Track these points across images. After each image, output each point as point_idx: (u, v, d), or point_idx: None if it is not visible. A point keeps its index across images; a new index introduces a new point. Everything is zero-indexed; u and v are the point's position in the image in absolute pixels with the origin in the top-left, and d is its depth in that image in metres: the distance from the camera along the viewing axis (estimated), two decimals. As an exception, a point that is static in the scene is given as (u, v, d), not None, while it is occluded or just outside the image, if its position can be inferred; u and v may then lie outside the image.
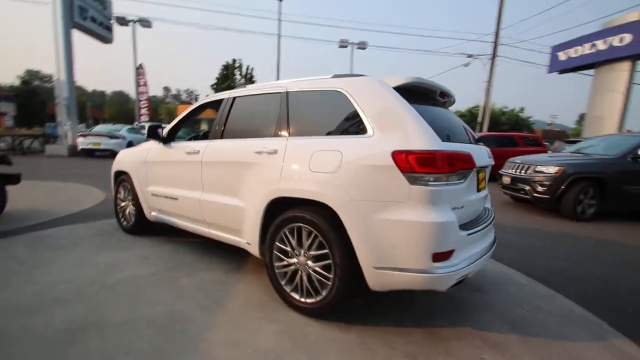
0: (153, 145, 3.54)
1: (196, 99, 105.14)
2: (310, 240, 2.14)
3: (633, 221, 5.80)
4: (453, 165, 1.81)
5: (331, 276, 2.04)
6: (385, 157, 1.85)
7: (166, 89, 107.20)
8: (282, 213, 2.28)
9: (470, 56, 22.85)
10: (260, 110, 2.71)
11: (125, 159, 3.89)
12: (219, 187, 2.73)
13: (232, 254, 3.29)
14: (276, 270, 2.36)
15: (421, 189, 1.78)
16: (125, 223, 3.96)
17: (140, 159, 3.60)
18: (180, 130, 3.53)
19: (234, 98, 2.88)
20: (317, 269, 2.12)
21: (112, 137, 12.85)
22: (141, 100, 21.24)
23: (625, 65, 16.57)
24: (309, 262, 2.16)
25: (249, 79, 32.37)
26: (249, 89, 2.82)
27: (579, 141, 8.44)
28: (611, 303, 2.68)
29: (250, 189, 2.46)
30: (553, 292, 2.81)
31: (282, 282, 2.32)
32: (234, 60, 31.59)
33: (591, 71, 18.89)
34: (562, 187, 5.62)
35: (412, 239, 1.79)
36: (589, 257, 3.86)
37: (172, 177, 3.20)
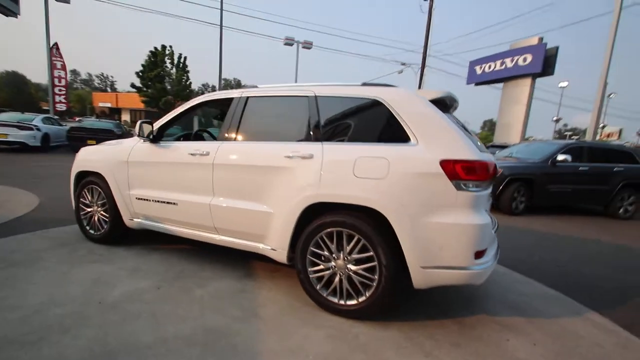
0: (136, 143, 3.16)
1: (112, 86, 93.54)
2: (352, 244, 2.20)
3: (553, 214, 7.04)
4: (489, 173, 2.05)
5: (375, 277, 2.13)
6: (434, 165, 2.01)
7: (74, 72, 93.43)
8: (318, 218, 2.28)
9: (403, 64, 24.76)
10: (284, 112, 2.64)
11: (95, 159, 3.38)
12: (237, 191, 2.59)
13: (233, 261, 3.14)
14: (310, 276, 2.35)
15: (465, 194, 1.99)
16: (93, 232, 3.45)
17: (120, 158, 3.18)
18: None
19: (247, 98, 2.75)
20: (360, 271, 2.19)
21: (22, 128, 10.76)
22: (57, 86, 18.11)
23: (527, 81, 19.76)
24: (350, 265, 2.22)
25: (182, 69, 30.09)
26: (265, 90, 2.72)
27: (506, 146, 9.85)
28: (573, 284, 3.29)
29: (280, 194, 2.40)
30: (526, 277, 3.33)
31: (317, 287, 2.33)
32: (164, 47, 28.98)
33: (501, 85, 22.01)
34: (501, 187, 6.55)
35: (459, 240, 1.99)
36: (538, 246, 4.62)
37: (169, 180, 2.91)
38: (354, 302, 2.22)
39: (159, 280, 2.64)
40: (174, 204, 2.88)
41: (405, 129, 2.15)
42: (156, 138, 3.04)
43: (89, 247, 3.28)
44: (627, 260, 4.34)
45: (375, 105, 2.27)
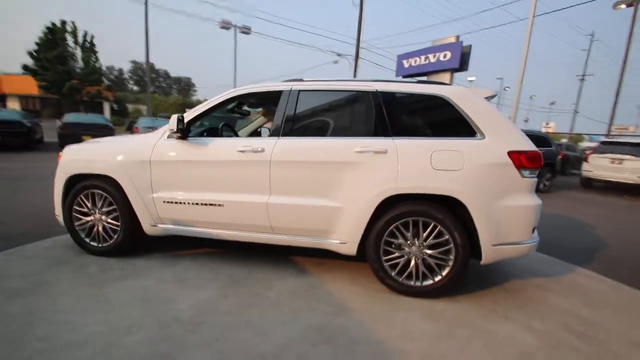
0: (158, 139, 2.80)
1: (-19, 66, 75.13)
2: (429, 230, 2.38)
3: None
4: (541, 161, 2.43)
5: (451, 257, 2.37)
6: (503, 156, 2.30)
7: None
8: (393, 209, 2.41)
9: (339, 55, 25.45)
10: (344, 108, 2.65)
11: (98, 159, 2.88)
12: (300, 188, 2.53)
13: (273, 260, 3.06)
14: (385, 264, 2.48)
15: (527, 180, 2.34)
16: (96, 244, 2.97)
17: (138, 158, 2.78)
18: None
19: (299, 91, 2.67)
20: (435, 254, 2.40)
21: None
22: None
23: (447, 76, 22.18)
24: (426, 250, 2.41)
25: (89, 49, 25.94)
26: (318, 84, 2.67)
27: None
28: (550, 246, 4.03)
29: (351, 189, 2.44)
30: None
31: (392, 274, 2.47)
32: (64, 23, 24.52)
33: (425, 78, 24.29)
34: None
35: (523, 219, 2.34)
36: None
37: (212, 180, 2.67)
38: (430, 282, 2.43)
39: (219, 288, 2.46)
40: (219, 205, 2.67)
41: (471, 124, 2.39)
42: (186, 134, 2.74)
43: (98, 263, 2.82)
44: (556, 223, 5.45)
45: (440, 102, 2.46)
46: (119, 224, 2.90)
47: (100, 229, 2.95)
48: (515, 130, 2.41)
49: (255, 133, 4.11)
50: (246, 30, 18.45)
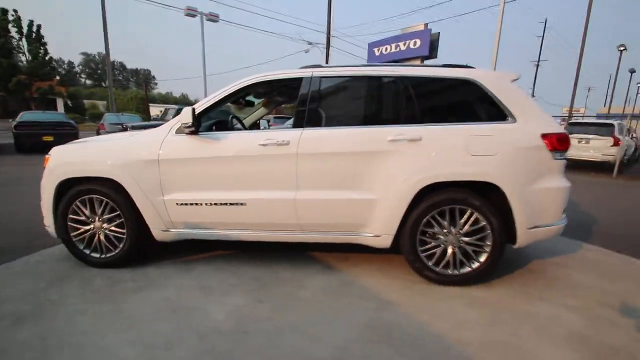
0: (165, 135, 2.54)
1: None
2: (465, 217, 2.35)
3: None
4: (569, 142, 2.46)
5: (489, 243, 2.36)
6: (536, 139, 2.30)
7: None
8: (428, 198, 2.35)
9: (310, 44, 25.05)
10: (370, 94, 2.53)
11: (98, 160, 2.56)
12: (330, 182, 2.40)
13: (293, 258, 2.93)
14: (421, 255, 2.43)
15: (558, 162, 2.36)
16: (97, 255, 2.67)
17: (144, 157, 2.50)
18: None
19: (321, 78, 2.51)
20: (472, 241, 2.38)
21: None
22: None
23: (417, 63, 22.61)
24: (463, 238, 2.38)
25: (36, 40, 23.65)
26: (340, 70, 2.52)
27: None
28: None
29: (387, 179, 2.35)
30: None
31: (430, 264, 2.43)
32: (5, 12, 22.09)
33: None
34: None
35: (555, 201, 2.37)
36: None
37: (231, 177, 2.46)
38: (467, 269, 2.41)
39: (248, 293, 2.30)
40: (241, 204, 2.47)
41: (502, 108, 2.37)
42: (198, 128, 2.50)
43: (103, 275, 2.54)
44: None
45: (469, 86, 2.41)
46: (124, 231, 2.62)
47: (103, 238, 2.65)
48: (544, 113, 2.42)
49: (254, 125, 3.89)
50: (213, 18, 17.53)
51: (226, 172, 2.47)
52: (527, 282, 2.55)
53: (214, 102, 2.57)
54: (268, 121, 4.34)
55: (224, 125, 3.06)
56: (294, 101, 2.71)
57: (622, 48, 25.26)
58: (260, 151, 2.42)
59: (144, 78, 75.19)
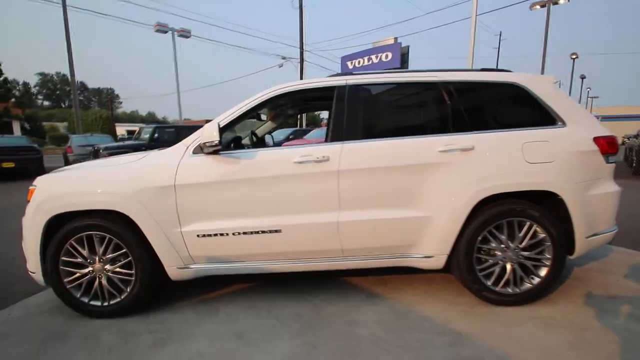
0: (181, 157, 2.18)
1: None
2: (524, 230, 2.17)
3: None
4: (617, 146, 2.37)
5: (549, 256, 2.18)
6: (589, 143, 2.18)
7: None
8: (484, 212, 2.15)
9: (284, 58, 25.06)
10: (413, 102, 2.33)
11: (99, 190, 2.14)
12: (377, 200, 2.14)
13: (324, 283, 2.61)
14: (479, 274, 2.21)
15: (610, 165, 2.25)
16: (99, 303, 2.23)
17: (156, 183, 2.13)
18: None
19: (356, 87, 2.27)
20: (532, 255, 2.20)
21: None
22: None
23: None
24: (523, 252, 2.19)
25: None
26: (375, 77, 2.30)
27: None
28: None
29: (440, 193, 2.13)
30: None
31: (488, 283, 2.21)
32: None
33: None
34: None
35: (610, 206, 2.25)
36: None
37: (263, 201, 2.14)
38: (529, 286, 2.21)
39: (295, 337, 1.96)
40: (275, 231, 2.15)
41: (550, 112, 2.24)
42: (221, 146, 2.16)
43: (110, 328, 2.10)
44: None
45: (515, 90, 2.27)
46: (132, 271, 2.20)
47: (105, 282, 2.22)
48: (590, 115, 2.32)
49: (261, 141, 3.58)
50: (185, 34, 17.05)
51: (256, 195, 2.15)
52: (583, 293, 2.39)
53: (237, 115, 2.25)
54: (272, 137, 4.00)
55: (239, 142, 2.74)
56: (311, 111, 2.45)
57: (574, 56, 27.38)
58: (295, 170, 2.13)
59: (109, 97, 72.09)
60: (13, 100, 26.26)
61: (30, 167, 9.86)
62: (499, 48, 36.44)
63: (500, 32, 36.97)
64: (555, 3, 16.63)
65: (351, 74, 2.34)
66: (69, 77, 15.46)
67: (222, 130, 2.19)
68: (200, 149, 2.17)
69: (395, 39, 23.33)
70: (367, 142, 2.18)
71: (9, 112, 23.78)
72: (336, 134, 2.21)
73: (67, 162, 10.94)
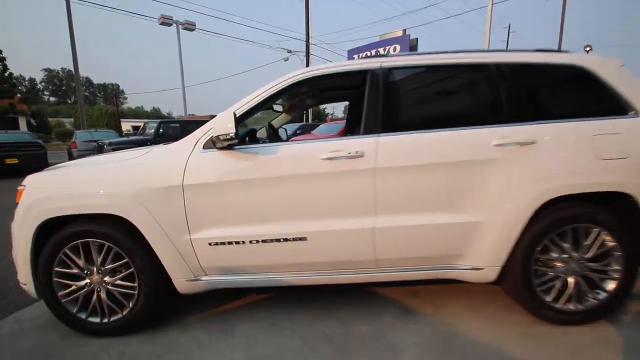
0: (190, 153, 1.88)
1: None
2: (592, 238, 1.85)
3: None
4: None
5: (617, 268, 1.86)
6: None
7: None
8: (544, 217, 1.82)
9: (289, 52, 24.62)
10: (459, 88, 2.01)
11: (97, 190, 1.85)
12: (421, 202, 1.83)
13: (350, 297, 2.32)
14: (537, 289, 1.89)
15: None
16: (97, 320, 1.96)
17: (162, 183, 1.83)
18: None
19: (392, 69, 1.95)
20: (600, 267, 1.88)
21: None
22: None
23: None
24: (589, 264, 1.87)
25: (-7, 55, 21.87)
26: (413, 58, 1.98)
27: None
28: None
29: (494, 195, 1.81)
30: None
31: (549, 299, 1.90)
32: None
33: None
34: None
35: None
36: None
37: (285, 204, 1.84)
38: (593, 302, 1.89)
39: (328, 353, 1.67)
40: (300, 239, 1.85)
41: (621, 100, 1.89)
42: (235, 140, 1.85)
43: (114, 350, 1.83)
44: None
45: (578, 73, 1.93)
46: (135, 284, 1.92)
47: (104, 296, 1.94)
48: None
49: (277, 135, 3.26)
50: (190, 27, 16.69)
51: (278, 197, 1.84)
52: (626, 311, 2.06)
53: (254, 104, 1.94)
54: (286, 130, 3.68)
55: (254, 135, 2.44)
56: (333, 102, 2.13)
57: (588, 48, 26.48)
58: (325, 167, 1.82)
59: (114, 92, 72.07)
60: (19, 96, 26.20)
61: (34, 163, 9.64)
62: (507, 41, 35.61)
63: (509, 25, 36.09)
64: (572, -8, 16.01)
65: (386, 56, 2.01)
66: (74, 72, 15.23)
67: (238, 121, 1.88)
68: (212, 143, 1.86)
69: (404, 31, 22.78)
70: (406, 135, 1.86)
71: (14, 107, 23.71)
72: (370, 126, 1.88)
73: (71, 158, 10.75)
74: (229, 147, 1.85)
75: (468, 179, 1.82)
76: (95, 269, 1.93)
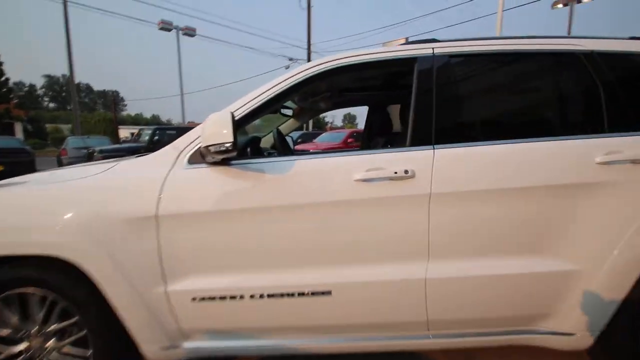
0: (165, 170, 1.34)
1: None
2: None
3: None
4: None
5: None
6: None
7: None
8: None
9: (291, 59, 24.36)
10: (539, 83, 1.49)
11: (36, 222, 1.31)
12: (494, 242, 1.30)
13: None
14: (654, 364, 1.34)
15: None
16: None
17: (129, 212, 1.29)
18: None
19: (450, 57, 1.44)
20: None
21: None
22: None
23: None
24: None
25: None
26: (475, 44, 1.46)
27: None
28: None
29: (596, 233, 1.28)
30: None
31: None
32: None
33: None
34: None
35: None
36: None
37: (302, 245, 1.31)
38: None
39: None
40: (323, 293, 1.30)
41: None
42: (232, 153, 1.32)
43: None
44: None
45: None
46: (89, 351, 1.37)
47: (43, 367, 1.38)
48: None
49: (282, 143, 2.71)
50: (190, 32, 16.33)
51: (293, 234, 1.31)
52: None
53: (260, 103, 1.41)
54: (292, 137, 3.14)
55: (258, 145, 1.91)
56: (354, 105, 1.63)
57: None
58: (360, 193, 1.28)
59: (112, 99, 72.00)
60: (15, 101, 25.80)
61: (21, 170, 9.09)
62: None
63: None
64: (580, 1, 15.73)
65: (436, 40, 1.50)
66: (70, 77, 14.81)
67: (238, 125, 1.35)
68: (201, 157, 1.33)
69: (406, 39, 22.67)
70: (472, 148, 1.33)
71: (10, 113, 23.23)
72: (421, 135, 1.36)
73: (61, 165, 10.22)
74: (225, 162, 1.32)
75: (560, 211, 1.29)
76: (35, 329, 1.38)
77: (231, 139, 1.17)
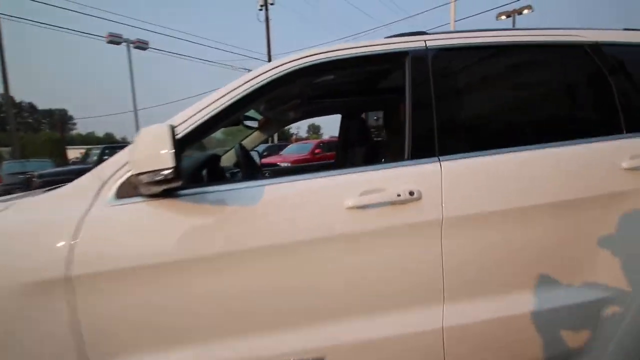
0: (82, 208, 0.96)
1: None
2: None
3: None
4: None
5: None
6: None
7: None
8: None
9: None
10: (544, 80, 1.28)
11: None
12: (519, 275, 1.05)
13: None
14: None
15: None
16: None
17: (22, 276, 0.89)
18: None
19: (443, 51, 1.20)
20: None
21: None
22: None
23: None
24: None
25: None
26: (468, 35, 1.23)
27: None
28: None
29: (628, 253, 1.07)
30: None
31: None
32: None
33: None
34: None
35: None
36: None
37: (282, 298, 0.97)
38: None
39: None
40: (315, 360, 0.98)
41: None
42: (180, 179, 0.96)
43: None
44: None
45: None
46: None
47: None
48: None
49: (247, 161, 2.37)
50: (142, 45, 15.41)
51: (269, 286, 0.97)
52: None
53: (212, 113, 1.06)
54: (258, 152, 2.77)
55: (217, 166, 1.56)
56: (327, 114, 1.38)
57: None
58: (353, 224, 0.98)
59: (59, 118, 66.69)
60: (-61, 123, 22.85)
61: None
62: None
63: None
64: (520, 13, 17.01)
65: (425, 33, 1.26)
66: (5, 93, 13.32)
67: (183, 144, 1.00)
68: (132, 188, 0.97)
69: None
70: (487, 157, 1.08)
71: None
72: (421, 144, 1.09)
73: (-7, 195, 8.98)
74: (167, 194, 0.96)
75: (589, 228, 1.07)
76: None
77: (171, 164, 0.83)
